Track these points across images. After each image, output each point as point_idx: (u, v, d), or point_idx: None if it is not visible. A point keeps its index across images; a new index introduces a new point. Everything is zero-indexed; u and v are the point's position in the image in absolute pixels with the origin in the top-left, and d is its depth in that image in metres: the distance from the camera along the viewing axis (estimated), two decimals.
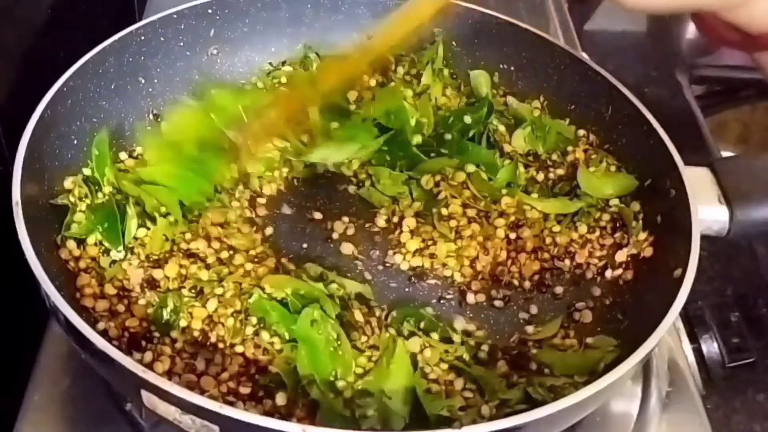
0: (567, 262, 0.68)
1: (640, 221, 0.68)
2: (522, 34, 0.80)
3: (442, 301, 0.66)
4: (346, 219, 0.71)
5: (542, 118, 0.77)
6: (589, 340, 0.62)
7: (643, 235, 0.67)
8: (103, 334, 0.54)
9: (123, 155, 0.71)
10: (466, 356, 0.60)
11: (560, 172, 0.75)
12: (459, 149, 0.74)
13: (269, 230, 0.69)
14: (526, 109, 0.78)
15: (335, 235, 0.69)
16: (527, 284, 0.67)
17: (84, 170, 0.67)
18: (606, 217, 0.70)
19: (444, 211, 0.70)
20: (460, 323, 0.63)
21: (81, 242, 0.62)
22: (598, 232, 0.69)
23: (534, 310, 0.66)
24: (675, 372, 0.70)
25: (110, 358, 0.48)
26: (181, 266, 0.62)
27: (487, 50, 0.82)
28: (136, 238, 0.64)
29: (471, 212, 0.70)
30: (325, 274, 0.63)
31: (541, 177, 0.74)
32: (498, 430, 0.47)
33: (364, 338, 0.60)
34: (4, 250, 0.58)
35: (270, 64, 0.82)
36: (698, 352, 0.73)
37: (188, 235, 0.65)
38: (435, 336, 0.61)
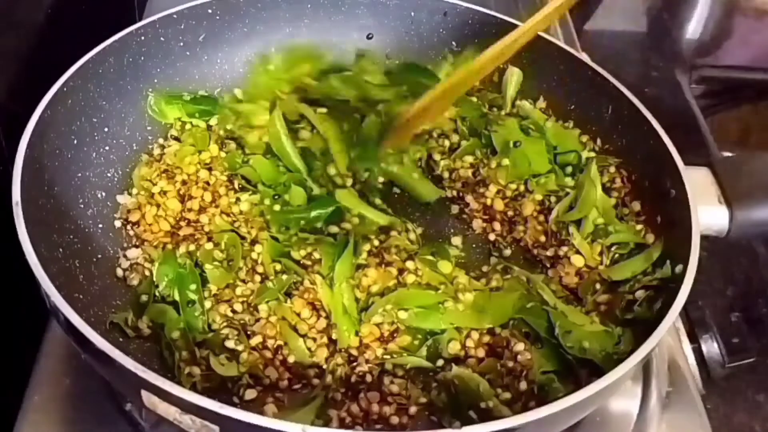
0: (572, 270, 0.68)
1: (641, 221, 0.68)
2: None
3: None
4: None
5: (553, 128, 0.77)
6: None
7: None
8: None
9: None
10: None
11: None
12: None
13: None
14: (539, 116, 0.79)
15: None
16: None
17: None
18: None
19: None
20: None
21: None
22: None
23: None
24: (675, 372, 0.70)
25: (110, 358, 0.48)
26: None
27: None
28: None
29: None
30: None
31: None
32: (498, 430, 0.47)
33: None
34: (4, 250, 0.58)
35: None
36: (698, 352, 0.73)
37: None
38: None
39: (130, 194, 0.71)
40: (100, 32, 0.71)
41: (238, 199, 0.71)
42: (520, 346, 0.61)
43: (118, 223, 0.69)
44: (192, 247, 0.67)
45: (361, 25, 0.84)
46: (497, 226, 0.72)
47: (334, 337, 0.62)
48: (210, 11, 0.78)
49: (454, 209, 0.74)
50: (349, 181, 0.74)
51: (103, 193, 0.69)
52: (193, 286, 0.64)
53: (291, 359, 0.61)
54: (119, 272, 0.66)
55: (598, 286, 0.66)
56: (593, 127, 0.76)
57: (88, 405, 0.63)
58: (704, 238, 0.61)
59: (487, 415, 0.56)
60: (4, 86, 0.75)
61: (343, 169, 0.74)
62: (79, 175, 0.67)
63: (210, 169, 0.73)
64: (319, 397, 0.58)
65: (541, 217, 0.72)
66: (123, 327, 0.61)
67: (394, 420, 0.58)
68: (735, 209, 0.64)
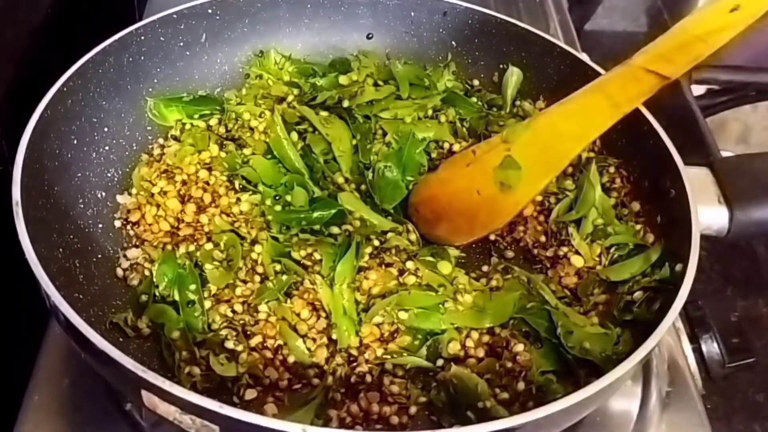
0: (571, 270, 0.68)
1: (640, 221, 0.68)
2: (522, 34, 0.80)
3: None
4: None
5: None
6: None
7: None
8: None
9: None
10: None
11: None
12: None
13: None
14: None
15: None
16: None
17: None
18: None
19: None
20: None
21: None
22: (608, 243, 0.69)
23: None
24: (675, 372, 0.70)
25: (110, 358, 0.48)
26: None
27: (487, 50, 0.82)
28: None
29: None
30: None
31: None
32: (499, 430, 0.47)
33: None
34: (4, 250, 0.58)
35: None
36: (698, 352, 0.73)
37: None
38: None
39: (130, 194, 0.71)
40: (100, 32, 0.71)
41: (238, 200, 0.71)
42: (519, 347, 0.61)
43: (118, 223, 0.69)
44: (192, 248, 0.67)
45: (361, 25, 0.84)
46: None
47: (334, 337, 0.62)
48: (210, 11, 0.78)
49: None
50: (353, 184, 0.74)
51: (103, 193, 0.69)
52: (192, 287, 0.64)
53: (291, 359, 0.61)
54: (119, 272, 0.66)
55: (596, 286, 0.66)
56: None
57: (88, 405, 0.63)
58: (704, 238, 0.61)
59: (484, 416, 0.56)
60: (4, 86, 0.75)
61: (347, 171, 0.74)
62: (79, 175, 0.67)
63: (210, 169, 0.73)
64: (319, 397, 0.58)
65: (541, 218, 0.72)
66: (123, 327, 0.61)
67: (394, 420, 0.58)
68: (735, 209, 0.64)
